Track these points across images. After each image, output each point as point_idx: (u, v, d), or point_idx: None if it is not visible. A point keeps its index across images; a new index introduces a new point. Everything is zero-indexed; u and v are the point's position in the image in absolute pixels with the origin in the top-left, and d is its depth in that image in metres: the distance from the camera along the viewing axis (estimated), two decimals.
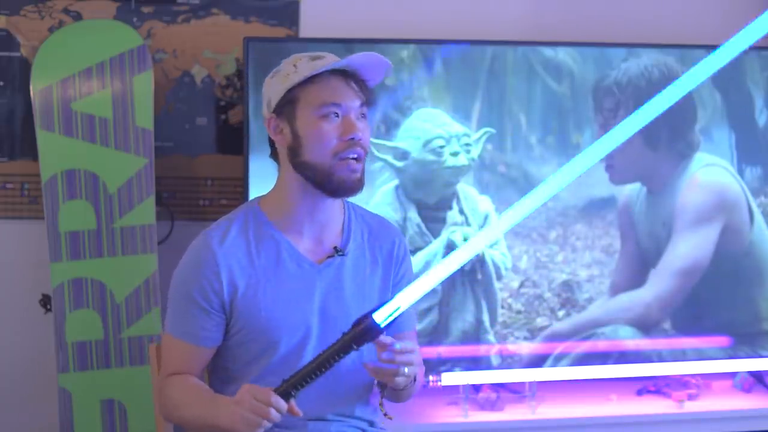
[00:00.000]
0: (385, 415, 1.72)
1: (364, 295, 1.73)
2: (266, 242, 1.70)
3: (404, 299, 1.51)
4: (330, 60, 1.65)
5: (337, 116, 1.64)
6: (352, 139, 1.63)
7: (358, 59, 1.66)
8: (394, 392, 1.70)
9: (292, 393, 1.52)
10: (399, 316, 1.51)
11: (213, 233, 1.70)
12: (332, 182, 1.65)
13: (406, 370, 1.59)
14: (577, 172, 1.41)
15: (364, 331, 1.50)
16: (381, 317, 1.50)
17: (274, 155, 1.73)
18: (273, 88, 1.68)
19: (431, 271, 1.49)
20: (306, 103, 1.65)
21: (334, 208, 1.73)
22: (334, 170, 1.64)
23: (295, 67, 1.65)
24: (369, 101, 1.69)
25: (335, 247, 1.72)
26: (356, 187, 1.66)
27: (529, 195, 1.43)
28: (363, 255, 1.75)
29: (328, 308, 1.70)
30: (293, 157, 1.67)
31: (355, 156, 1.64)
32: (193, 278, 1.67)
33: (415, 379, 1.68)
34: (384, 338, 1.55)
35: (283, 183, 1.71)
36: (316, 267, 1.70)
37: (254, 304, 1.67)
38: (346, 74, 1.66)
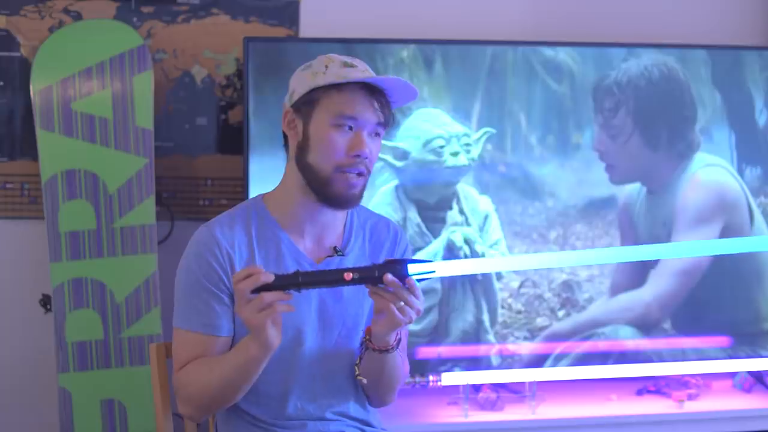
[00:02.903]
0: (358, 376, 1.69)
1: (365, 295, 1.72)
2: (268, 238, 1.70)
3: (441, 268, 1.55)
4: (359, 71, 1.65)
5: (350, 129, 1.64)
6: (358, 156, 1.63)
7: (388, 80, 1.65)
8: (374, 356, 1.66)
9: (300, 281, 1.52)
10: None
11: (216, 224, 1.70)
12: (328, 193, 1.65)
13: (411, 314, 1.55)
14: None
15: (392, 264, 1.53)
16: (414, 269, 1.53)
17: (286, 146, 1.73)
18: (300, 81, 1.68)
19: (476, 260, 1.49)
20: (324, 108, 1.64)
21: (336, 210, 1.72)
22: (333, 182, 1.64)
23: (326, 69, 1.65)
24: (386, 122, 1.68)
25: (334, 248, 1.73)
26: (352, 202, 1.67)
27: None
28: (364, 255, 1.76)
29: (325, 308, 1.71)
30: (299, 156, 1.67)
31: (357, 172, 1.64)
32: (200, 264, 1.66)
33: (398, 344, 1.65)
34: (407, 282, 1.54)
35: (288, 180, 1.71)
36: (314, 266, 1.70)
37: None
38: (371, 90, 1.65)
